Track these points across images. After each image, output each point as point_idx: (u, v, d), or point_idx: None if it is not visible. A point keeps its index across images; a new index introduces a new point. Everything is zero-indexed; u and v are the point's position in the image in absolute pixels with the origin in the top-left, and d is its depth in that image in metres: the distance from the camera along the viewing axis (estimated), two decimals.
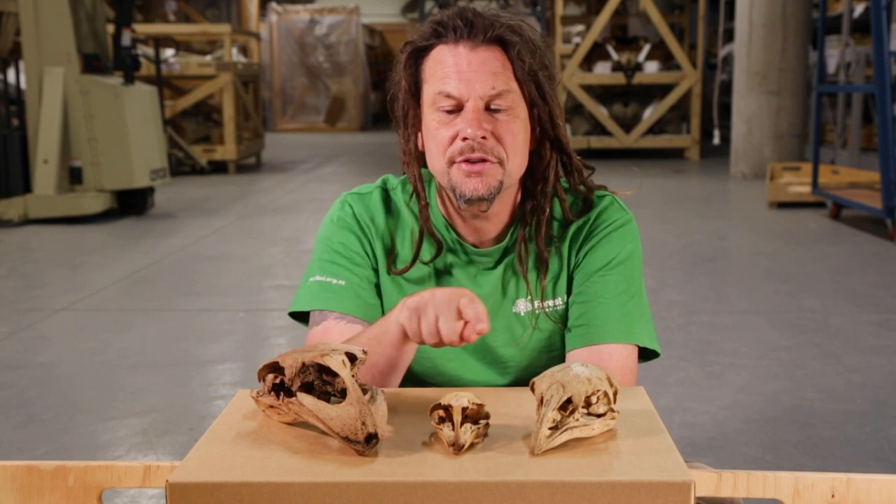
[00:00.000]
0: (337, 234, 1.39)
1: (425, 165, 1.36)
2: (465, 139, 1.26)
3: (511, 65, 1.27)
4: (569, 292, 1.38)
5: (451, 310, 1.13)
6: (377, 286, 1.40)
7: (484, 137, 1.26)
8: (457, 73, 1.26)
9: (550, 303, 1.37)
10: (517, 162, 1.30)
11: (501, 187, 1.29)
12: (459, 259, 1.39)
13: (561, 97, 10.11)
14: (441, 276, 1.39)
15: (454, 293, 1.15)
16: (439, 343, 1.14)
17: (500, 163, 1.27)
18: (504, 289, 1.38)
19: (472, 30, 1.27)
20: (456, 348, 1.37)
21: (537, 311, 1.37)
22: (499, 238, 1.38)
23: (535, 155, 1.35)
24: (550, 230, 1.37)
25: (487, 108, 1.27)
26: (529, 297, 1.37)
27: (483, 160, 1.26)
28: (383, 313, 1.39)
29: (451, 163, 1.28)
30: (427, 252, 1.38)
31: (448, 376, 1.39)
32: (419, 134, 1.34)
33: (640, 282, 1.37)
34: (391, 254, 1.39)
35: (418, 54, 1.31)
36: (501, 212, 1.35)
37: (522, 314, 1.37)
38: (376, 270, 1.40)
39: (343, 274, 1.36)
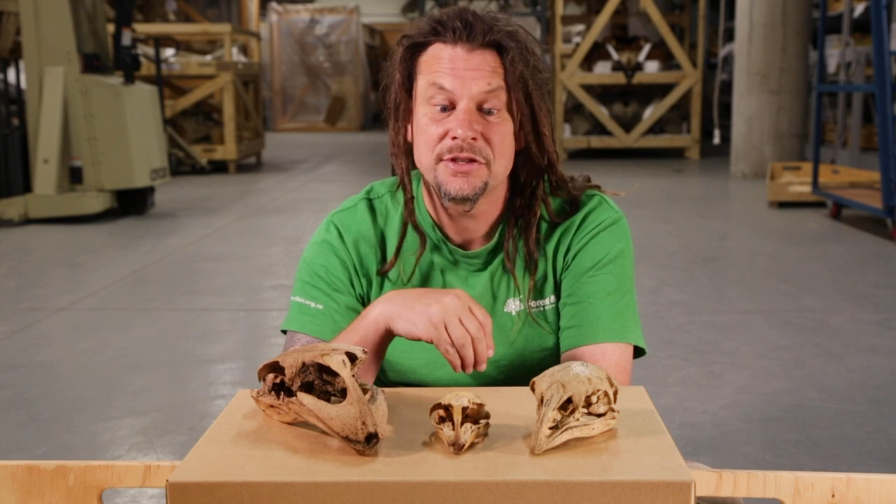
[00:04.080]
0: (320, 257, 1.39)
1: (412, 159, 1.37)
2: (454, 138, 1.26)
3: (504, 70, 1.28)
4: (557, 293, 1.38)
5: (469, 314, 1.17)
6: (365, 305, 1.39)
7: (474, 138, 1.26)
8: (452, 69, 1.27)
9: (540, 302, 1.38)
10: (503, 164, 1.31)
11: (486, 188, 1.30)
12: (449, 261, 1.39)
13: (561, 97, 10.01)
14: (434, 280, 1.39)
15: (462, 299, 1.18)
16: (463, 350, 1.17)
17: (488, 164, 1.28)
18: (494, 289, 1.38)
19: (472, 32, 1.27)
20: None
21: (528, 311, 1.38)
22: (487, 237, 1.38)
23: (522, 155, 1.35)
24: (538, 231, 1.37)
25: (479, 110, 1.28)
26: (520, 297, 1.37)
27: (472, 160, 1.27)
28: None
29: (439, 160, 1.28)
30: (411, 245, 1.38)
31: (442, 383, 1.39)
32: (409, 126, 1.35)
33: (631, 280, 1.38)
34: (384, 263, 1.40)
35: (415, 49, 1.32)
36: (489, 211, 1.36)
37: (514, 314, 1.38)
38: (363, 296, 1.40)
39: (321, 298, 1.36)
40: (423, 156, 1.30)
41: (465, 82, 1.26)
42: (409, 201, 1.37)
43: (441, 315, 1.16)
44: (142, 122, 6.69)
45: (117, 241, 5.94)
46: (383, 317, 1.21)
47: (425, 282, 1.39)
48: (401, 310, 1.20)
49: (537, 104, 1.31)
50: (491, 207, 1.35)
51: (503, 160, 1.30)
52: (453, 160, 1.27)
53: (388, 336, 1.23)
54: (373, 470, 0.91)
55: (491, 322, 1.19)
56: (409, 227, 1.38)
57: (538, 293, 1.38)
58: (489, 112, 1.28)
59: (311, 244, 1.42)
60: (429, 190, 1.38)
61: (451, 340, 1.16)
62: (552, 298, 1.38)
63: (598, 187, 1.42)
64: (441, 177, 1.29)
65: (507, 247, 1.36)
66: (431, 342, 1.17)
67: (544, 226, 1.39)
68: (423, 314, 1.17)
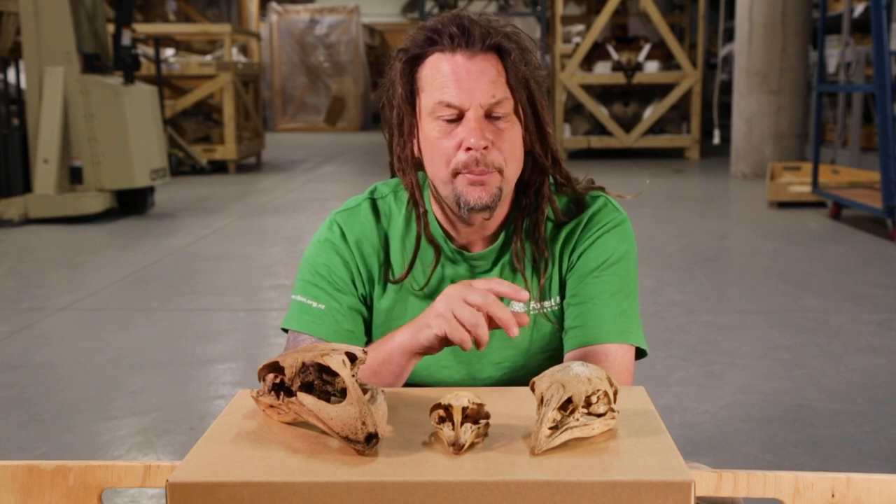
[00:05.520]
0: (322, 256, 1.39)
1: (418, 169, 1.36)
2: (468, 149, 1.26)
3: (506, 72, 1.27)
4: (562, 293, 1.38)
5: (470, 290, 1.16)
6: (367, 306, 1.40)
7: (486, 147, 1.26)
8: (456, 81, 1.26)
9: (546, 303, 1.38)
10: (514, 167, 1.31)
11: (501, 194, 1.30)
12: (455, 264, 1.39)
13: (561, 97, 10.01)
14: (438, 281, 1.39)
15: (459, 284, 1.18)
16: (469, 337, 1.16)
17: (500, 171, 1.28)
18: None
19: (470, 38, 1.26)
20: (451, 354, 1.38)
21: (532, 312, 1.37)
22: (493, 237, 1.38)
23: (527, 155, 1.35)
24: (544, 231, 1.37)
25: (487, 116, 1.27)
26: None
27: (484, 172, 1.27)
28: (372, 324, 1.41)
29: (456, 174, 1.28)
30: (426, 258, 1.38)
31: (444, 384, 1.39)
32: (414, 140, 1.34)
33: (634, 282, 1.38)
34: (387, 264, 1.40)
35: (412, 62, 1.31)
36: (498, 214, 1.36)
37: None
38: (365, 297, 1.40)
39: (323, 298, 1.36)
40: (440, 170, 1.29)
41: (471, 92, 1.26)
42: (423, 216, 1.37)
43: (446, 305, 1.17)
44: (142, 122, 6.69)
45: (117, 241, 5.94)
46: (406, 339, 1.22)
47: (434, 286, 1.39)
48: (417, 325, 1.21)
49: (539, 103, 1.31)
50: (499, 210, 1.35)
51: (514, 164, 1.31)
52: (470, 173, 1.27)
53: (413, 356, 1.24)
54: (373, 470, 0.91)
55: (497, 282, 1.17)
56: (423, 240, 1.38)
57: (543, 293, 1.38)
58: (497, 118, 1.28)
59: (313, 243, 1.42)
60: (434, 196, 1.37)
61: (463, 325, 1.15)
62: (557, 299, 1.38)
63: (602, 189, 1.42)
64: (460, 189, 1.28)
65: (515, 247, 1.36)
66: (447, 337, 1.17)
67: (549, 225, 1.39)
68: (431, 316, 1.18)
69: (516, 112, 1.29)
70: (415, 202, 1.37)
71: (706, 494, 0.98)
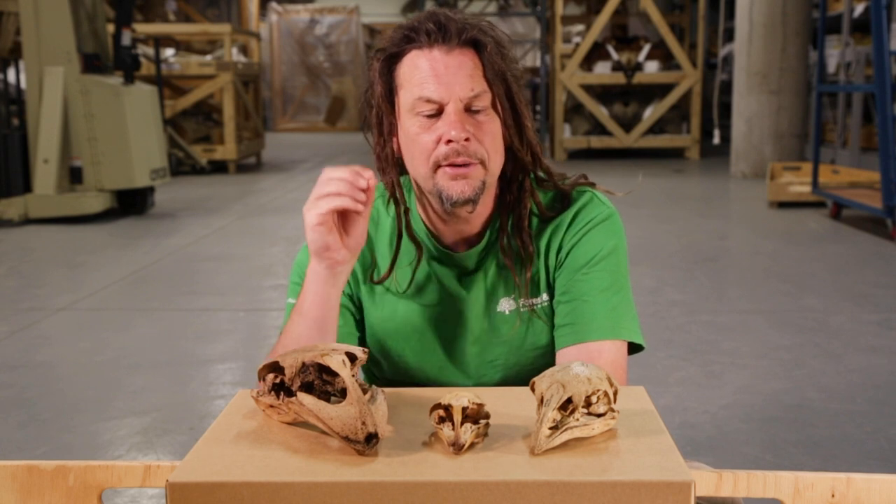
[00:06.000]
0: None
1: (401, 171, 1.36)
2: (448, 142, 1.26)
3: (483, 67, 1.28)
4: (550, 289, 1.38)
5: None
6: (357, 306, 1.41)
7: (467, 139, 1.26)
8: (434, 76, 1.26)
9: (534, 300, 1.38)
10: (497, 160, 1.32)
11: (484, 187, 1.30)
12: (442, 264, 1.39)
13: (561, 97, 9.97)
14: (426, 282, 1.39)
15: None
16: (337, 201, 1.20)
17: (483, 163, 1.28)
18: (488, 289, 1.38)
19: (446, 33, 1.27)
20: (443, 353, 1.38)
21: (522, 309, 1.37)
22: (478, 237, 1.38)
23: (508, 151, 1.35)
24: (529, 226, 1.37)
25: (467, 110, 1.28)
26: (514, 296, 1.37)
27: (467, 164, 1.27)
28: (364, 328, 1.42)
29: (437, 167, 1.28)
30: (407, 256, 1.38)
31: (439, 382, 1.39)
32: (394, 139, 1.35)
33: (625, 276, 1.37)
34: (373, 265, 1.40)
35: (390, 60, 1.31)
36: (482, 211, 1.36)
37: (507, 313, 1.38)
38: (351, 296, 1.40)
39: None
40: (420, 165, 1.29)
41: (450, 86, 1.26)
42: (405, 214, 1.37)
43: (307, 206, 1.21)
44: (142, 122, 6.69)
45: (117, 241, 5.94)
46: (314, 264, 1.25)
47: (418, 287, 1.39)
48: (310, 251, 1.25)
49: (517, 97, 1.32)
50: (483, 208, 1.35)
51: (497, 157, 1.31)
52: (450, 165, 1.27)
53: (326, 279, 1.25)
54: (373, 470, 0.91)
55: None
56: (404, 238, 1.38)
57: (532, 290, 1.38)
58: (477, 111, 1.28)
59: (303, 247, 1.43)
60: (420, 196, 1.37)
61: (334, 192, 1.19)
62: (545, 296, 1.38)
63: (592, 185, 1.42)
64: (441, 183, 1.28)
65: (502, 243, 1.36)
66: (336, 217, 1.21)
67: (535, 221, 1.39)
68: (307, 229, 1.22)
69: (494, 106, 1.30)
70: (395, 201, 1.37)
71: (706, 494, 0.98)
